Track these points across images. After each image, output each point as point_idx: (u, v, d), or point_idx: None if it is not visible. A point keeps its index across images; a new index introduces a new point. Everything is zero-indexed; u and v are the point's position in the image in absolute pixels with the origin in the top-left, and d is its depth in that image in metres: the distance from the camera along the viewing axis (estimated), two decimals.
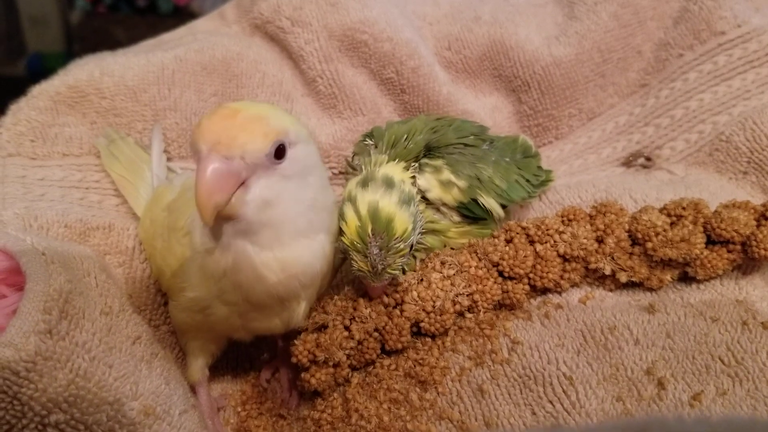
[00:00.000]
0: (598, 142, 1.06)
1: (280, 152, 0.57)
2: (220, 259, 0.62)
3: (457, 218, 0.76)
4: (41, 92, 0.90)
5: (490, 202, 0.75)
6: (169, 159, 0.93)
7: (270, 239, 0.60)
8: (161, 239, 0.72)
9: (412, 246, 0.68)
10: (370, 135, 0.79)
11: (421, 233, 0.73)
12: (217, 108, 0.57)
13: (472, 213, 0.75)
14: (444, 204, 0.74)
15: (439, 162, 0.73)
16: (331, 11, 1.00)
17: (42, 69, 2.53)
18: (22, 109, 0.89)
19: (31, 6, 2.66)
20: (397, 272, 0.68)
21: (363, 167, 0.74)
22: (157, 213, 0.75)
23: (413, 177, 0.73)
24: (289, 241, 0.61)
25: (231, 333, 0.72)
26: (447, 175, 0.73)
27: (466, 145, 0.77)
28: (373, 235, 0.64)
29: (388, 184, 0.67)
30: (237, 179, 0.55)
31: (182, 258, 0.66)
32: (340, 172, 1.02)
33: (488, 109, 1.07)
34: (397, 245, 0.65)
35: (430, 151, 0.75)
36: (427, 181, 0.73)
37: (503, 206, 0.78)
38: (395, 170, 0.71)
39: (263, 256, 0.61)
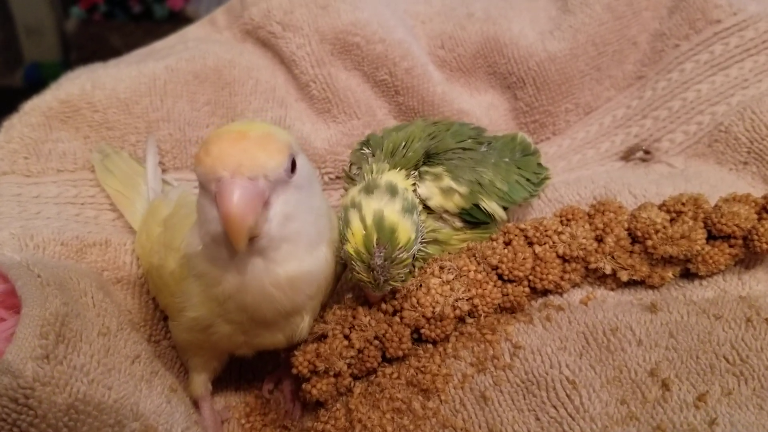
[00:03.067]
0: (596, 136, 1.05)
1: (293, 165, 0.58)
2: (224, 282, 0.61)
3: (459, 224, 0.75)
4: (33, 108, 0.90)
5: (492, 206, 0.74)
6: (164, 170, 0.92)
7: (287, 254, 0.60)
8: (158, 256, 0.71)
9: (414, 256, 0.67)
10: (366, 143, 0.79)
11: (424, 243, 0.72)
12: (219, 133, 0.57)
13: (474, 218, 0.74)
14: (446, 211, 0.73)
15: (438, 169, 0.73)
16: (321, 14, 0.99)
17: (39, 78, 2.53)
18: (15, 126, 0.89)
19: (27, 16, 2.66)
20: (398, 284, 0.67)
21: (364, 175, 0.73)
22: (153, 228, 0.75)
23: (414, 185, 0.72)
24: (302, 255, 0.62)
25: (234, 350, 0.72)
26: (447, 182, 0.72)
27: (464, 149, 0.76)
28: (377, 245, 0.63)
29: (392, 191, 0.67)
30: (263, 199, 0.55)
31: (180, 278, 0.66)
32: (337, 177, 1.02)
33: (484, 107, 1.07)
34: (401, 255, 0.64)
35: (429, 158, 0.74)
36: (427, 189, 0.72)
37: (505, 208, 0.77)
38: (398, 178, 0.71)
39: (273, 275, 0.60)
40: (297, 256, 0.61)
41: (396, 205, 0.65)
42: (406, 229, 0.64)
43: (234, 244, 0.54)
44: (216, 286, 0.62)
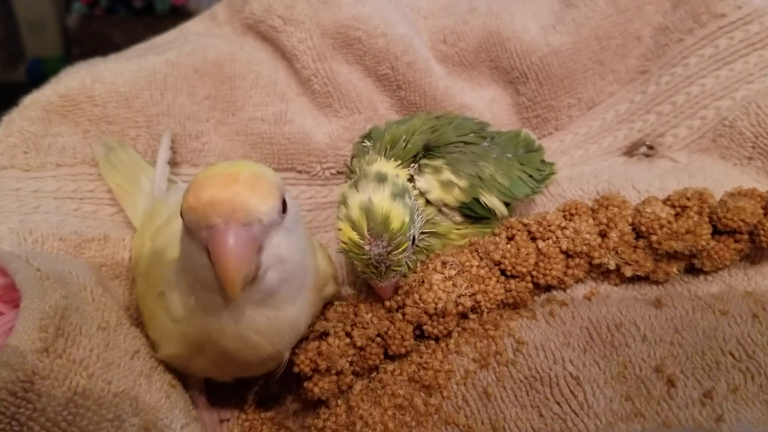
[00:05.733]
0: (598, 131, 1.04)
1: (284, 206, 0.56)
2: (206, 328, 0.61)
3: (459, 218, 0.74)
4: (33, 102, 0.89)
5: (492, 201, 0.74)
6: None
7: (278, 299, 0.60)
8: (142, 278, 0.71)
9: (414, 240, 0.67)
10: (368, 136, 0.78)
11: (423, 233, 0.72)
12: (206, 176, 0.54)
13: (474, 213, 0.74)
14: (445, 205, 0.72)
15: (438, 162, 0.72)
16: (323, 8, 0.98)
17: (42, 74, 2.52)
18: (15, 120, 0.88)
19: (28, 11, 2.65)
20: (402, 268, 0.66)
21: (356, 169, 0.73)
22: (146, 238, 0.74)
23: (411, 177, 0.71)
24: (291, 299, 0.61)
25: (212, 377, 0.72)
26: (447, 175, 0.71)
27: (466, 143, 0.75)
28: (370, 235, 0.63)
29: (380, 179, 0.66)
30: (257, 245, 0.54)
31: (156, 316, 0.66)
32: (338, 172, 1.01)
33: (486, 102, 1.06)
34: (398, 240, 0.63)
35: (429, 151, 0.73)
36: (427, 182, 0.71)
37: (506, 204, 0.76)
38: (388, 166, 0.70)
39: (261, 321, 0.60)
40: (285, 301, 0.61)
41: (385, 192, 0.65)
42: (398, 214, 0.64)
43: (228, 293, 0.52)
44: (196, 330, 0.62)
